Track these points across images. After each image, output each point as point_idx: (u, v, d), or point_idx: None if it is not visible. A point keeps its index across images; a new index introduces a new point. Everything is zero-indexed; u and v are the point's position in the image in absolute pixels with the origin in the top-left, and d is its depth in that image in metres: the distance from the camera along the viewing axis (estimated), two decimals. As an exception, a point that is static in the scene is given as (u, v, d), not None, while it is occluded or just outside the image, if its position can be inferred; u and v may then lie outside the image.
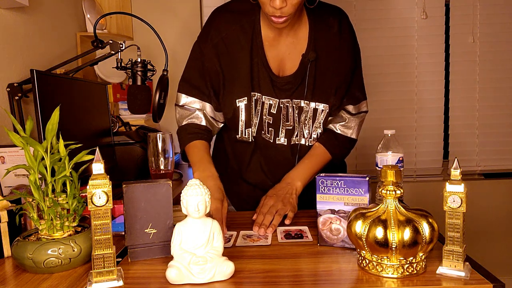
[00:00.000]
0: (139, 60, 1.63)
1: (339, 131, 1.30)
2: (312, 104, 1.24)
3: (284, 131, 1.26)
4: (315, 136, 1.27)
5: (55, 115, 0.85)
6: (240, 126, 1.25)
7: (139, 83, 1.63)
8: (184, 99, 1.28)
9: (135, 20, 2.44)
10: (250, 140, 1.27)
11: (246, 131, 1.25)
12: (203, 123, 1.28)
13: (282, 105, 1.24)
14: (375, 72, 2.51)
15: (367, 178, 0.89)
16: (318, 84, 1.23)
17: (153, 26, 1.61)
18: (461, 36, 2.53)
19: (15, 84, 1.48)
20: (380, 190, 0.78)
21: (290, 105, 1.25)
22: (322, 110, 1.24)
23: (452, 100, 2.58)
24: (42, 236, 0.84)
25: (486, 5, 2.50)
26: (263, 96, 1.24)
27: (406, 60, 2.55)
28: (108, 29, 2.29)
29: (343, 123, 1.30)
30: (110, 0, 2.35)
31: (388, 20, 2.53)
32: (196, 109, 1.27)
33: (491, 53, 2.54)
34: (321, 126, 1.26)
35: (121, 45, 1.62)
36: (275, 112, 1.25)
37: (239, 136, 1.27)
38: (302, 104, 1.24)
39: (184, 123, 1.28)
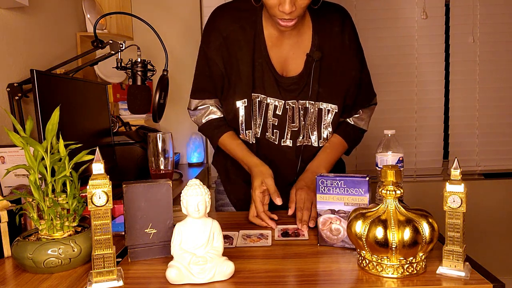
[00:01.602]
0: (139, 60, 1.63)
1: (352, 123, 1.33)
2: (317, 105, 1.24)
3: (289, 132, 1.26)
4: (325, 136, 1.26)
5: (55, 115, 0.85)
6: (240, 128, 1.25)
7: (139, 83, 1.63)
8: (194, 102, 1.33)
9: (135, 20, 2.44)
10: (251, 142, 1.26)
11: (246, 133, 1.25)
12: (220, 114, 1.32)
13: (288, 107, 1.24)
14: (375, 72, 2.50)
15: (367, 178, 0.89)
16: (323, 84, 1.23)
17: (153, 26, 1.61)
18: (461, 36, 2.53)
19: (15, 84, 1.48)
20: (380, 190, 0.78)
21: (296, 106, 1.24)
22: (329, 111, 1.24)
23: (452, 100, 2.58)
24: (42, 236, 0.84)
25: (486, 5, 2.50)
26: (268, 98, 1.23)
27: (406, 60, 2.55)
28: (108, 29, 2.29)
29: (357, 116, 1.33)
30: (110, 0, 2.35)
31: (388, 20, 2.53)
32: (209, 105, 1.32)
33: (491, 53, 2.54)
34: (331, 126, 1.25)
35: (121, 45, 1.62)
36: (280, 114, 1.24)
37: (241, 137, 1.27)
38: (307, 105, 1.24)
39: (203, 121, 1.33)
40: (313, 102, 1.24)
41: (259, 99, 1.23)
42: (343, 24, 1.25)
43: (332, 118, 1.25)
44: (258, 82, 1.22)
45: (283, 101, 1.24)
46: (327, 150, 1.27)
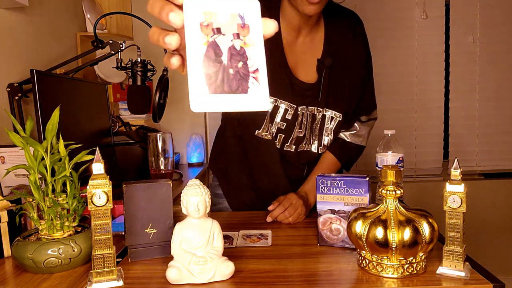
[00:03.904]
0: (139, 60, 1.63)
1: (349, 140, 1.30)
2: (323, 111, 1.22)
3: (295, 138, 1.23)
4: (325, 143, 1.25)
5: (55, 115, 0.85)
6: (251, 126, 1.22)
7: (139, 83, 1.63)
8: None
9: (135, 20, 2.44)
10: (270, 138, 1.21)
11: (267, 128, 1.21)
12: None
13: (299, 113, 1.20)
14: (375, 72, 2.51)
15: (367, 178, 0.89)
16: (333, 91, 1.21)
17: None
18: (461, 36, 2.53)
19: (15, 84, 1.48)
20: (380, 190, 0.78)
21: (305, 112, 1.21)
22: (332, 117, 1.22)
23: (452, 100, 2.58)
24: (42, 236, 0.84)
25: (486, 5, 2.50)
26: (279, 100, 1.18)
27: (406, 60, 2.55)
28: (108, 29, 2.29)
29: (354, 132, 1.30)
30: (110, 0, 2.35)
31: (388, 20, 2.53)
32: None
33: (491, 53, 2.54)
34: (332, 133, 1.23)
35: (121, 45, 1.62)
36: (290, 119, 1.20)
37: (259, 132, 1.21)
38: (315, 112, 1.22)
39: None
40: (321, 109, 1.21)
41: (270, 100, 1.18)
42: (355, 31, 1.23)
43: (334, 125, 1.23)
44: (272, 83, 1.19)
45: (295, 106, 1.19)
46: (319, 173, 1.24)
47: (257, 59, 0.43)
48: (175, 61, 0.45)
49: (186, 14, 0.41)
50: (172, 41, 0.42)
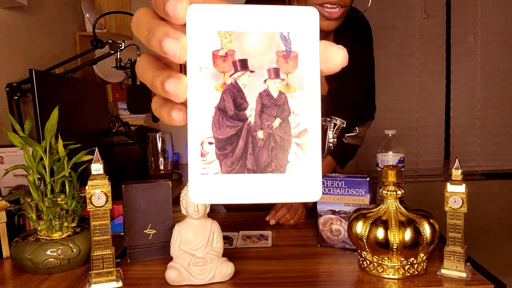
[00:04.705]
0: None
1: (347, 141, 1.30)
2: (329, 120, 1.21)
3: None
4: (329, 148, 1.24)
5: (54, 115, 0.85)
6: None
7: (138, 83, 1.62)
8: None
9: (135, 19, 2.44)
10: None
11: None
12: None
13: None
14: (375, 72, 2.51)
15: (368, 179, 0.88)
16: (340, 99, 1.19)
17: (153, 26, 1.61)
18: (462, 35, 2.52)
19: (14, 84, 1.48)
20: (381, 190, 0.78)
21: None
22: (336, 124, 1.21)
23: (453, 100, 2.58)
24: (41, 237, 0.84)
25: (487, 5, 2.50)
26: None
27: (407, 60, 2.55)
28: (108, 28, 2.28)
29: (353, 134, 1.30)
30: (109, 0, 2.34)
31: (389, 20, 2.53)
32: None
33: (492, 53, 2.53)
34: (336, 139, 1.22)
35: (120, 45, 1.61)
36: None
37: None
38: (323, 122, 1.20)
39: None
40: (328, 118, 1.20)
41: None
42: (363, 37, 1.22)
43: (338, 132, 1.22)
44: None
45: None
46: None
47: (307, 114, 0.26)
48: (179, 117, 0.26)
49: (190, 36, 0.24)
50: (179, 90, 0.25)
